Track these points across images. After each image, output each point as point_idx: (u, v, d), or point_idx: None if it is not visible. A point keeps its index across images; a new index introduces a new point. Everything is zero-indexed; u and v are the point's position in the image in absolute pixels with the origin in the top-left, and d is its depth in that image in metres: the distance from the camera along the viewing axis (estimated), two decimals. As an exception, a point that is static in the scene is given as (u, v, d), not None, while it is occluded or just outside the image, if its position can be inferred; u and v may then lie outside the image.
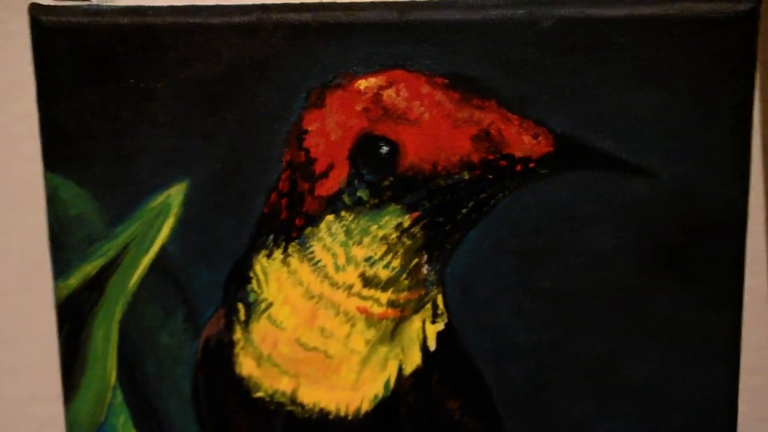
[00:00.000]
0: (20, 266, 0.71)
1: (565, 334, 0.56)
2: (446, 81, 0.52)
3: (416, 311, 0.55)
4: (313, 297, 0.55)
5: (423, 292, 0.55)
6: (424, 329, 0.56)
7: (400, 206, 0.54)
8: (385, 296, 0.55)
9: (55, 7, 0.53)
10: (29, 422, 0.72)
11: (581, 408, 0.56)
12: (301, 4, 0.53)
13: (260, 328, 0.56)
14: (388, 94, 0.53)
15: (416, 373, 0.57)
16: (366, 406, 0.57)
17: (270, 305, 0.56)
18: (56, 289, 0.57)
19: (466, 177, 0.53)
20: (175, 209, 0.55)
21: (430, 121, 0.53)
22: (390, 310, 0.55)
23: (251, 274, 0.56)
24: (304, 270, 0.55)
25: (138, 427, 0.59)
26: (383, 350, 0.56)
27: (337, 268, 0.55)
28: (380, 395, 0.57)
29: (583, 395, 0.56)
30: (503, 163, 0.53)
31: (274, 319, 0.56)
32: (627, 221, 0.54)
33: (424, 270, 0.55)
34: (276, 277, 0.55)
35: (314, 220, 0.55)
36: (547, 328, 0.55)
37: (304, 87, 0.53)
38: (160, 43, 0.53)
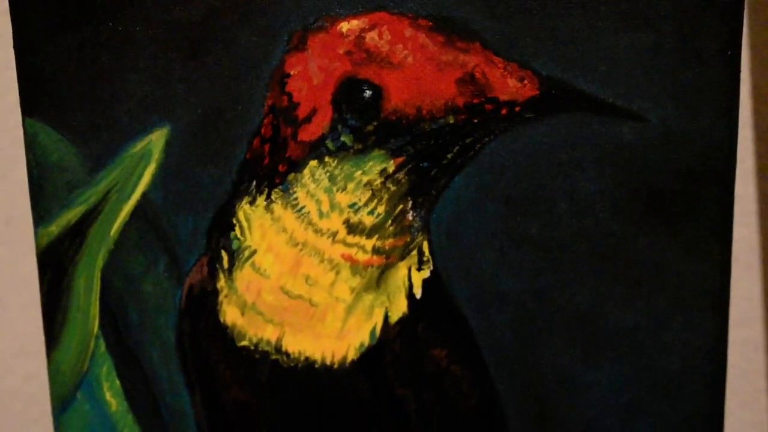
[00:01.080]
0: (3, 217, 0.71)
1: (551, 282, 0.56)
2: (430, 23, 0.53)
3: (402, 258, 0.56)
4: (297, 244, 0.56)
5: (408, 239, 0.56)
6: (410, 276, 0.57)
7: (384, 151, 0.54)
8: (370, 243, 0.55)
9: (31, -51, 0.53)
10: (14, 377, 0.73)
11: (567, 356, 0.57)
12: (282, -55, 0.53)
13: (244, 276, 0.57)
14: (371, 36, 0.53)
15: (402, 321, 0.57)
16: (352, 355, 0.57)
17: (254, 253, 0.56)
18: (37, 236, 0.57)
19: (451, 121, 0.53)
20: (156, 155, 0.56)
21: (414, 65, 0.53)
22: (375, 257, 0.56)
23: (234, 221, 0.56)
24: (287, 217, 0.55)
25: (121, 376, 0.60)
26: (369, 298, 0.57)
27: (321, 215, 0.55)
28: (366, 344, 0.57)
29: (570, 343, 0.57)
30: (488, 106, 0.53)
31: (258, 266, 0.56)
32: (614, 166, 0.54)
33: (410, 216, 0.55)
34: (259, 224, 0.56)
35: (297, 166, 0.55)
36: (533, 276, 0.56)
37: (285, 30, 0.54)
38: (139, -14, 0.53)
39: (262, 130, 0.55)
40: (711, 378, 0.57)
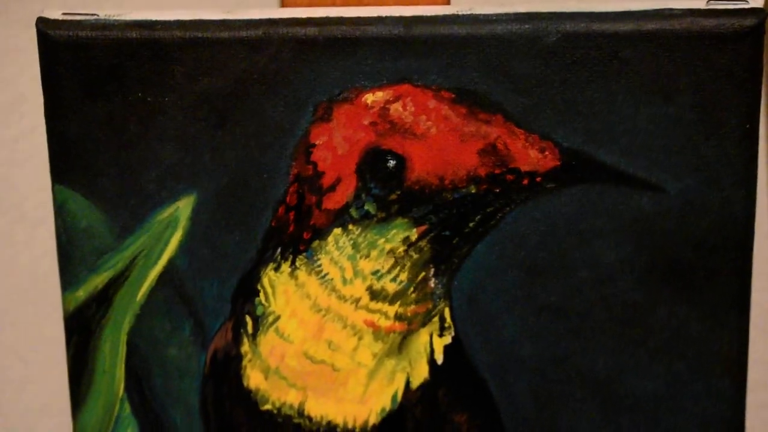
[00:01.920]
0: (29, 279, 0.73)
1: (571, 349, 0.58)
2: (453, 95, 0.55)
3: (423, 324, 0.58)
4: (320, 310, 0.58)
5: (430, 306, 0.58)
6: (432, 342, 0.58)
7: (407, 220, 0.56)
8: (392, 309, 0.57)
9: (63, 21, 0.56)
10: None
11: (586, 422, 0.59)
12: (308, 19, 0.55)
13: (268, 340, 0.59)
14: (395, 108, 0.55)
15: (423, 386, 0.59)
16: (373, 419, 0.59)
17: (277, 318, 0.58)
18: (64, 301, 0.59)
19: (473, 191, 0.55)
20: (183, 222, 0.58)
21: (437, 135, 0.55)
22: (397, 324, 0.58)
23: (259, 287, 0.58)
24: (311, 283, 0.57)
25: (145, 438, 0.61)
26: (390, 363, 0.58)
27: (345, 282, 0.57)
28: (387, 408, 0.59)
29: (588, 410, 0.59)
30: (510, 177, 0.55)
31: (282, 332, 0.58)
32: (633, 236, 0.56)
33: (432, 283, 0.57)
34: (283, 290, 0.58)
35: (322, 234, 0.57)
36: (552, 343, 0.58)
37: (311, 101, 0.56)
38: (168, 58, 0.55)
39: (288, 199, 0.57)
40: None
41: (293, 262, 0.57)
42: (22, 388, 0.75)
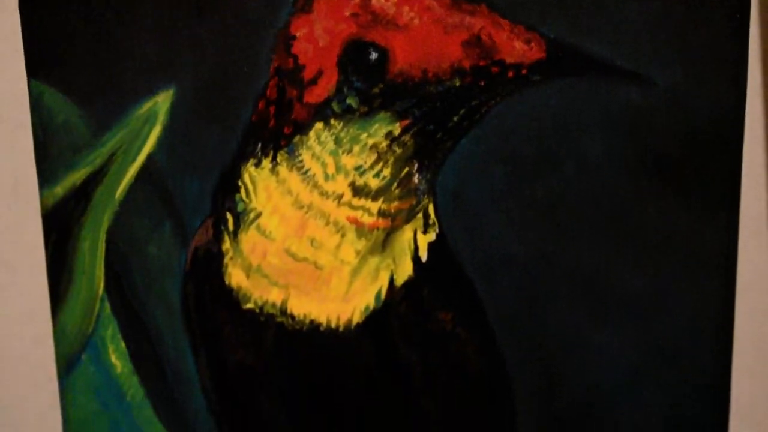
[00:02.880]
0: (7, 179, 0.73)
1: (557, 245, 0.58)
2: (436, -15, 0.55)
3: (407, 221, 0.58)
4: (302, 207, 0.58)
5: (414, 202, 0.58)
6: (416, 239, 0.59)
7: (390, 114, 0.56)
8: (375, 206, 0.58)
9: None
10: (21, 342, 0.76)
11: (573, 320, 0.59)
12: None
13: (249, 238, 0.59)
14: (377, -2, 0.55)
15: (408, 284, 0.59)
16: (357, 318, 0.60)
17: (259, 215, 0.59)
18: (42, 198, 0.60)
19: (457, 84, 0.56)
20: (161, 117, 0.58)
21: (420, 27, 0.55)
22: (381, 220, 0.58)
23: (239, 183, 0.59)
24: (293, 179, 0.58)
25: (126, 338, 0.62)
26: (374, 261, 0.59)
27: (327, 177, 0.58)
28: (371, 307, 0.60)
29: (575, 307, 0.59)
30: (495, 69, 0.55)
31: (263, 229, 0.59)
32: (621, 130, 0.56)
33: (415, 179, 0.58)
34: (264, 186, 0.58)
35: (303, 128, 0.57)
36: (538, 239, 0.58)
37: (291, -9, 0.56)
38: (144, -54, 0.55)
39: (268, 92, 0.57)
40: (717, 344, 0.59)
41: (274, 158, 0.58)
42: (4, 292, 0.76)
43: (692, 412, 0.60)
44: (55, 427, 0.71)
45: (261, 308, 0.60)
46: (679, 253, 0.58)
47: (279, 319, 0.60)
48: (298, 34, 0.56)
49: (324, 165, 0.57)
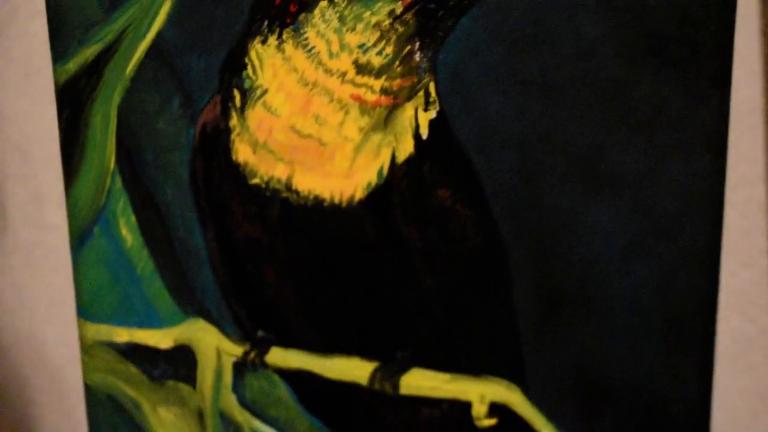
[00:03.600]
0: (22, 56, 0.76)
1: (554, 124, 0.61)
2: None
3: (409, 99, 0.61)
4: (307, 84, 0.61)
5: (415, 80, 0.61)
6: (417, 117, 0.62)
7: (392, -8, 0.59)
8: (378, 83, 0.61)
9: None
10: (33, 228, 0.79)
11: (568, 197, 0.62)
12: None
13: (256, 114, 0.62)
14: None
15: (409, 161, 0.62)
16: (360, 194, 0.63)
17: (265, 92, 0.62)
18: (55, 73, 0.62)
19: (458, -37, 0.58)
20: (171, -6, 0.61)
21: None
22: (383, 98, 0.61)
23: (246, 61, 0.62)
24: (298, 56, 0.61)
25: (137, 212, 0.66)
26: (376, 138, 0.62)
27: (331, 55, 0.60)
28: (373, 183, 0.63)
29: (571, 184, 0.62)
30: (495, -52, 0.57)
31: (269, 105, 0.62)
32: (617, 9, 0.58)
33: (417, 57, 0.60)
34: (271, 63, 0.61)
35: (308, 6, 0.60)
36: (536, 118, 0.61)
37: None
38: None
39: (274, -30, 0.60)
40: (708, 220, 0.62)
41: (280, 35, 0.60)
42: (23, 178, 0.79)
43: (684, 285, 0.63)
44: (68, 302, 0.75)
45: (267, 183, 0.63)
46: (672, 131, 0.61)
47: (284, 195, 0.63)
48: None
49: (328, 43, 0.60)
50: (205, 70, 0.61)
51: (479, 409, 0.65)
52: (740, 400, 0.66)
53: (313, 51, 0.60)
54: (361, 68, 0.60)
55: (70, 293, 0.73)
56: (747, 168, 0.64)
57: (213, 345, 0.66)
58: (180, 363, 0.66)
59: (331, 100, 0.61)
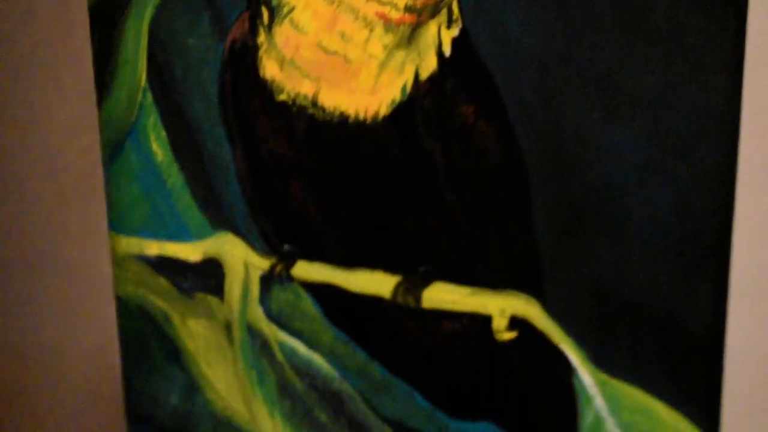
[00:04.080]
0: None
1: (574, 43, 0.63)
2: None
3: (432, 16, 0.63)
4: (333, 1, 0.63)
5: (439, -2, 0.63)
6: (440, 35, 0.64)
7: None
8: (402, 1, 0.63)
9: None
10: (68, 153, 0.82)
11: (588, 115, 0.64)
12: None
13: (283, 31, 0.65)
14: None
15: (432, 78, 0.65)
16: (384, 110, 0.65)
17: (292, 9, 0.64)
18: (88, -9, 0.65)
19: None
20: None
21: None
22: (407, 15, 0.63)
23: (274, -22, 0.64)
24: (324, -26, 0.63)
25: (167, 127, 0.68)
26: (400, 55, 0.64)
27: (356, -28, 0.63)
28: (397, 99, 0.65)
29: (590, 103, 0.64)
30: None
31: (296, 22, 0.64)
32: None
33: (440, -25, 0.63)
34: (298, -20, 0.63)
35: (334, -77, 0.62)
36: (556, 37, 0.63)
37: None
38: None
39: None
40: (723, 138, 0.64)
41: (307, -48, 0.63)
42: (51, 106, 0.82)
43: (699, 204, 0.66)
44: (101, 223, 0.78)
45: (293, 100, 0.66)
46: (689, 53, 0.63)
47: (310, 111, 0.66)
48: None
49: (354, -40, 0.62)
50: (234, -13, 0.64)
51: (499, 323, 0.68)
52: (754, 321, 0.68)
53: (338, -32, 0.62)
54: (386, -15, 0.62)
55: (102, 212, 0.76)
56: (763, 90, 0.65)
57: (241, 258, 0.69)
58: (208, 276, 0.69)
59: (357, 18, 0.63)
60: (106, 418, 0.82)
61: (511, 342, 0.68)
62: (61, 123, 0.77)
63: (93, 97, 0.69)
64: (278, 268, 0.68)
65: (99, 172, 0.71)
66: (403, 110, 0.65)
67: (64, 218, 0.79)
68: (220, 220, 0.68)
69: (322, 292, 0.69)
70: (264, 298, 0.69)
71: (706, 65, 0.62)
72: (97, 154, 0.73)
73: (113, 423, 0.81)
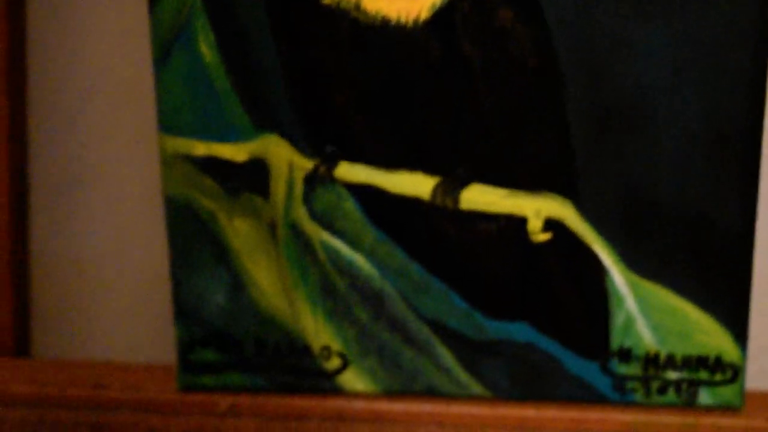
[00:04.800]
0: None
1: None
2: None
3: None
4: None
5: None
6: (480, -62, 0.67)
7: None
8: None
9: None
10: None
11: (620, 16, 0.68)
12: None
13: (328, -64, 0.68)
14: None
15: (472, -19, 0.68)
16: (424, 14, 0.69)
17: None
18: None
19: None
20: None
21: None
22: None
23: None
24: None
25: (216, 30, 0.72)
26: (441, -41, 0.67)
27: None
28: (437, 3, 0.68)
29: (624, 9, 0.67)
30: None
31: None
32: None
33: None
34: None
35: None
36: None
37: None
38: None
39: None
40: (752, 49, 0.67)
41: None
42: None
43: (729, 109, 0.69)
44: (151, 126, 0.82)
45: (338, 3, 0.69)
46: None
47: (353, 15, 0.69)
48: None
49: None
50: None
51: (535, 224, 0.71)
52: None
53: None
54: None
55: (152, 115, 0.80)
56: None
57: (285, 159, 0.72)
58: (254, 176, 0.73)
59: None
60: (155, 318, 0.86)
61: (546, 243, 0.71)
62: (111, 28, 0.81)
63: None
64: (321, 169, 0.72)
65: (149, 75, 0.75)
66: (443, 14, 0.68)
67: (116, 122, 0.84)
68: (265, 121, 0.72)
69: (363, 192, 0.72)
70: (307, 199, 0.72)
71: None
72: (147, 57, 0.77)
73: (162, 323, 0.85)
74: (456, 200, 0.70)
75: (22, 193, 0.85)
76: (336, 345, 0.74)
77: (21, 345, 0.86)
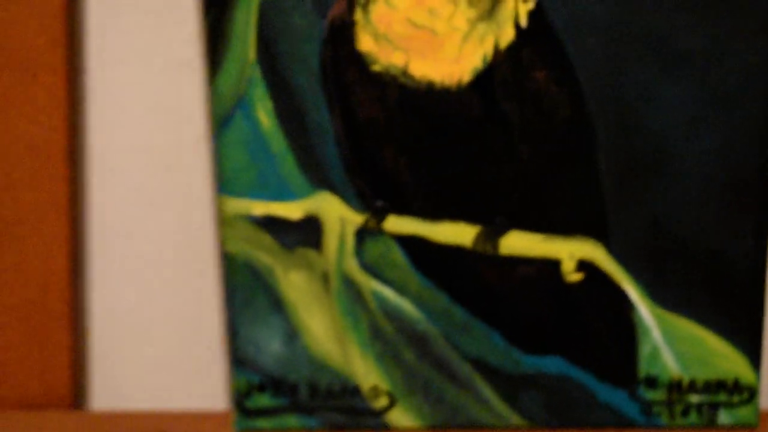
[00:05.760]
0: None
1: (633, 10, 0.74)
2: None
3: (510, -9, 0.74)
4: (422, -19, 0.74)
5: (516, -25, 0.74)
6: (517, 8, 0.75)
7: None
8: (484, -21, 0.74)
9: None
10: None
11: (645, 75, 0.75)
12: None
13: (377, 8, 0.75)
14: None
15: (510, 47, 0.75)
16: (466, 77, 0.76)
17: (385, -12, 0.75)
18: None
19: None
20: None
21: None
22: (488, -9, 0.74)
23: (369, -39, 0.74)
24: (414, -44, 0.73)
25: (273, 98, 0.78)
26: (481, 27, 0.75)
27: (442, -48, 0.73)
28: (479, 67, 0.75)
29: (647, 64, 0.75)
30: None
31: (389, 0, 0.75)
32: None
33: (518, -47, 0.73)
34: (390, -38, 0.74)
35: None
36: (618, 5, 0.74)
37: None
38: None
39: None
40: (765, 95, 0.75)
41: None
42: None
43: (743, 153, 0.77)
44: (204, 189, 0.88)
45: (386, 70, 0.76)
46: (735, 16, 0.74)
47: (401, 80, 0.76)
48: None
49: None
50: (332, -34, 0.74)
51: (568, 265, 0.78)
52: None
53: (426, -50, 0.72)
54: (469, -37, 0.73)
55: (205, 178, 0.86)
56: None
57: (337, 214, 0.79)
58: (308, 231, 0.79)
59: (443, -6, 0.73)
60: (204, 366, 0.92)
61: (579, 283, 0.78)
62: (165, 100, 0.88)
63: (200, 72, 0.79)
64: (371, 223, 0.78)
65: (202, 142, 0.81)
66: (483, 77, 0.75)
67: (169, 186, 0.90)
68: (319, 180, 0.77)
69: (410, 243, 0.78)
70: (358, 251, 0.78)
71: (750, 28, 0.72)
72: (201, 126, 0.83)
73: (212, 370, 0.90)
74: (496, 246, 0.77)
75: (79, 243, 0.89)
76: (384, 385, 0.80)
77: (79, 398, 0.90)
